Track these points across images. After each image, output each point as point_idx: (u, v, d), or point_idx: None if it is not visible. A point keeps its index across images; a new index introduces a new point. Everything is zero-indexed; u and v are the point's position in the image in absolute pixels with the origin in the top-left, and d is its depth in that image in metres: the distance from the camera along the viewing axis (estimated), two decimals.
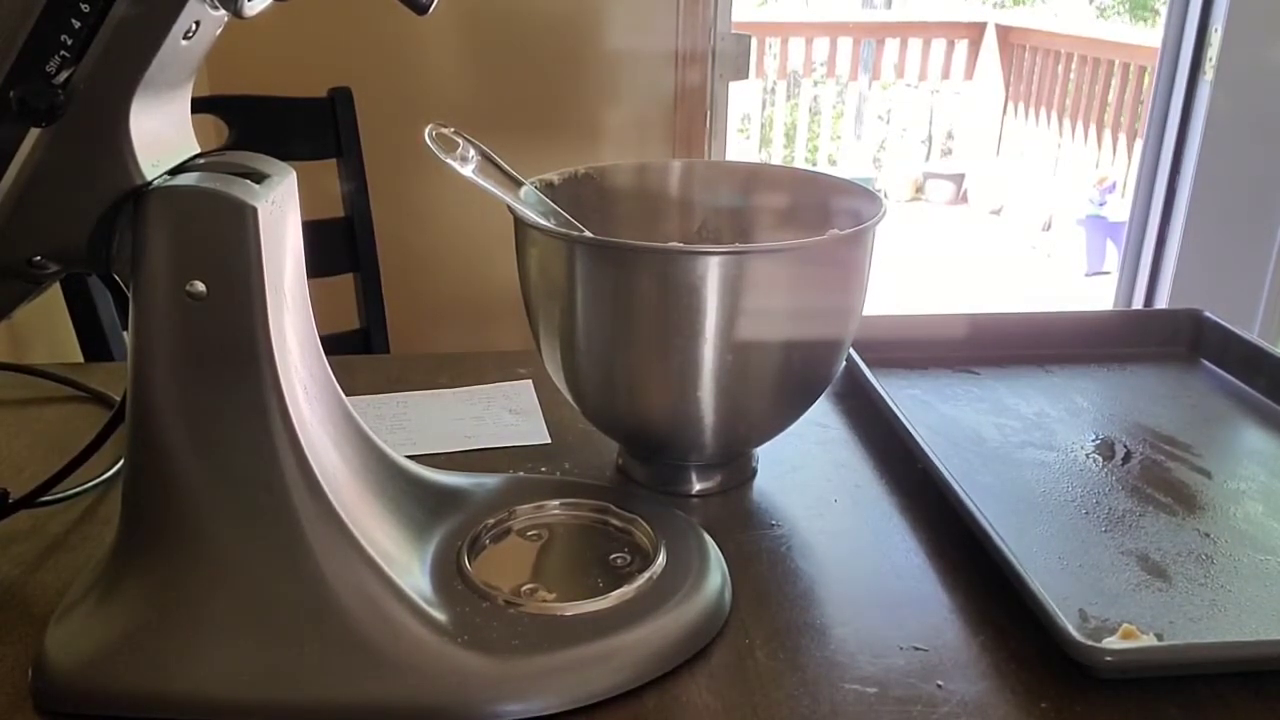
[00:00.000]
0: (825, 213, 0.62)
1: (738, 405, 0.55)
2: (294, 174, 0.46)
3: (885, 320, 0.77)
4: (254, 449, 0.43)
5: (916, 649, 0.47)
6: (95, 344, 1.12)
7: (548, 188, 0.61)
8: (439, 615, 0.44)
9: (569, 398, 0.59)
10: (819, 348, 0.56)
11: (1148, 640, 0.46)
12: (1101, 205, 3.93)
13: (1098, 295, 3.73)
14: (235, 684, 0.42)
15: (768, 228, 0.65)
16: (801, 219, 0.64)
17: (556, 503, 0.54)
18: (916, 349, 0.77)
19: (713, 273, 0.50)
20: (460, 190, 0.60)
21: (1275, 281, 1.78)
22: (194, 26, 0.41)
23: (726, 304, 0.51)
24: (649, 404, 0.56)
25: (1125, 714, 0.43)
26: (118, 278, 0.43)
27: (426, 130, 0.51)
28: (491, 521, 0.52)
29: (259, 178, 0.43)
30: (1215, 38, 1.66)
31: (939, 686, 0.45)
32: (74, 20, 0.38)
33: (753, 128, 4.77)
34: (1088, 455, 0.64)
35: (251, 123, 1.29)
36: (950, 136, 5.00)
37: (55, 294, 1.10)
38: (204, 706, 0.42)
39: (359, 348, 1.39)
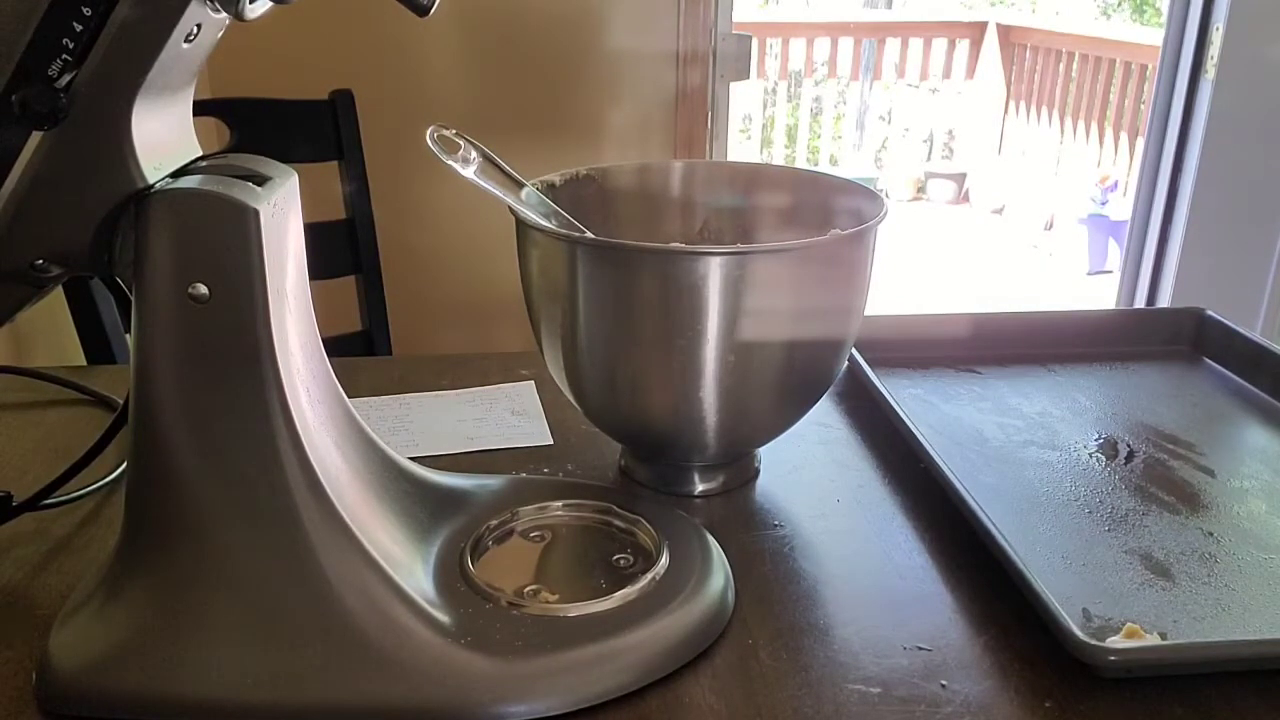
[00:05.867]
0: (827, 213, 0.62)
1: (740, 405, 0.55)
2: (295, 176, 0.46)
3: (887, 320, 0.77)
4: (257, 451, 0.43)
5: (920, 649, 0.47)
6: (98, 347, 1.12)
7: (549, 189, 0.61)
8: (442, 617, 0.44)
9: (571, 399, 0.59)
10: (821, 348, 0.56)
11: (1152, 639, 0.46)
12: (1103, 204, 3.92)
13: (1100, 294, 3.73)
14: (238, 686, 0.42)
15: (769, 228, 0.65)
16: (803, 219, 0.64)
17: (559, 504, 0.54)
18: (918, 349, 0.77)
19: (714, 273, 0.50)
20: (462, 192, 0.60)
21: (1277, 280, 1.78)
22: (195, 29, 0.41)
23: (728, 304, 0.51)
24: (651, 404, 0.56)
25: (1129, 713, 0.43)
26: (120, 280, 0.43)
27: (428, 132, 0.51)
28: (494, 523, 0.52)
29: (260, 180, 0.43)
30: (1216, 36, 1.66)
31: (943, 686, 0.45)
32: (76, 24, 0.38)
33: (754, 128, 4.77)
34: (1090, 454, 0.64)
35: (253, 125, 1.29)
36: (952, 136, 5.00)
37: (57, 297, 1.10)
38: (207, 708, 0.42)
39: (361, 349, 1.40)
